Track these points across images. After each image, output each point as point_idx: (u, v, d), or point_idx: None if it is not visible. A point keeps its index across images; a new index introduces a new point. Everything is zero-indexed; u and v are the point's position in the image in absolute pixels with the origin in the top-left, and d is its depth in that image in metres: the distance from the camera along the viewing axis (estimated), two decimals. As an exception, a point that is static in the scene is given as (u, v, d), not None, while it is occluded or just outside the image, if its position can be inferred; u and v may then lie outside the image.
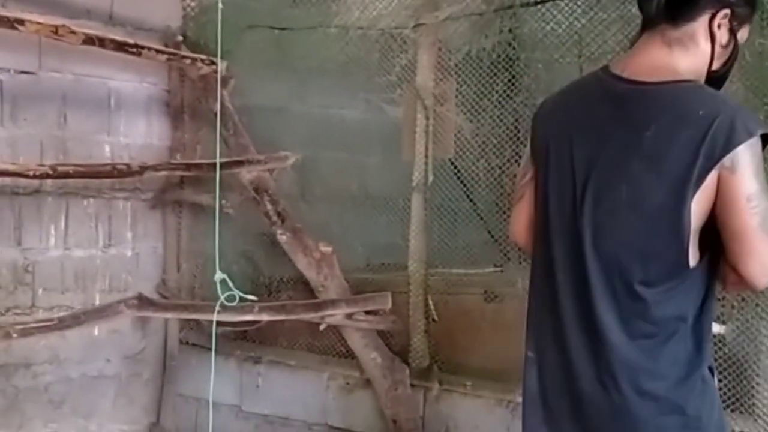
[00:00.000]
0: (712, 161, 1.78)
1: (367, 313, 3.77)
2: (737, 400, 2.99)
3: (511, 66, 4.64)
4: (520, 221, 2.15)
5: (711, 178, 1.79)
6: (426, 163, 3.94)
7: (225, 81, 4.07)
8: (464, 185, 4.44)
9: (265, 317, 3.73)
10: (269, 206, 3.89)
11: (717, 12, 1.94)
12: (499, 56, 4.52)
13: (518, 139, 4.67)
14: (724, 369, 2.96)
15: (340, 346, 3.95)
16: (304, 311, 3.74)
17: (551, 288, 2.00)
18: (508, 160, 4.61)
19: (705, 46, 1.94)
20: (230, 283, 3.46)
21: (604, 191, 1.90)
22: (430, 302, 3.82)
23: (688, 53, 1.93)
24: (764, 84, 3.53)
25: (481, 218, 4.55)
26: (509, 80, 4.62)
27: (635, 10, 4.31)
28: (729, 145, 1.77)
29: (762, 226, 1.79)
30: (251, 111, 4.32)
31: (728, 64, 2.00)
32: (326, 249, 3.84)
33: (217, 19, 3.80)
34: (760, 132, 1.80)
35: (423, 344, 3.76)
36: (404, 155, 4.04)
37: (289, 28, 4.24)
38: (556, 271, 1.99)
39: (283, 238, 3.87)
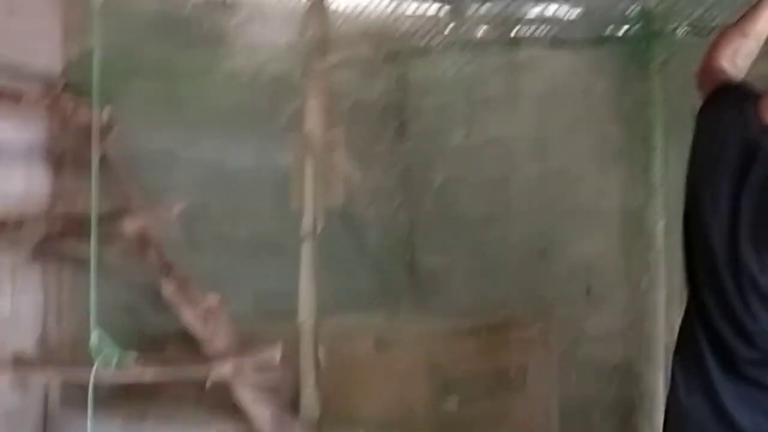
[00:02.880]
0: None
1: (257, 365, 3.69)
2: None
3: (400, 112, 4.70)
4: None
5: None
6: (315, 211, 3.92)
7: (109, 128, 3.97)
8: (355, 232, 4.45)
9: (148, 374, 3.62)
10: (154, 257, 3.79)
11: None
12: (388, 103, 4.57)
13: (408, 185, 4.73)
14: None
15: (229, 400, 3.85)
16: (190, 366, 3.65)
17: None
18: (399, 206, 4.66)
19: None
20: (108, 342, 3.35)
21: None
22: (321, 352, 3.78)
23: None
24: (645, 130, 3.65)
25: (373, 265, 4.56)
26: (398, 126, 4.68)
27: (521, 56, 4.43)
28: None
29: None
30: (138, 158, 4.23)
31: None
32: (213, 300, 3.75)
33: (101, 65, 3.72)
34: None
35: (313, 396, 3.72)
36: (293, 203, 4.01)
37: (176, 74, 4.19)
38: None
39: (168, 289, 3.77)
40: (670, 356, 3.49)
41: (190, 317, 3.80)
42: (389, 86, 4.53)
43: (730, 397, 1.79)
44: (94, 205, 3.49)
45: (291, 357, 3.76)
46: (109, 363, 3.39)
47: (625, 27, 3.80)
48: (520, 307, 4.85)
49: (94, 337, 3.34)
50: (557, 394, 4.62)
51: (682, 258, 1.93)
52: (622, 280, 4.37)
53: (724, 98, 1.91)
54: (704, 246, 1.85)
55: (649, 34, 3.63)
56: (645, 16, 3.65)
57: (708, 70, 2.05)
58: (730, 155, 1.81)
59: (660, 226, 3.64)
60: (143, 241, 3.85)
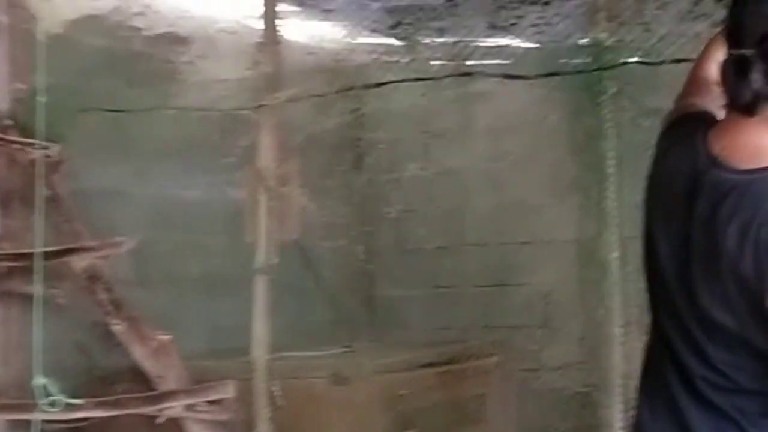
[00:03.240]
0: None
1: (209, 402, 3.63)
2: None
3: (354, 146, 4.70)
4: None
5: None
6: (269, 245, 3.89)
7: (57, 165, 3.91)
8: (310, 266, 4.42)
9: (99, 413, 3.55)
10: (103, 295, 3.73)
11: None
12: (342, 136, 4.57)
13: (363, 217, 4.72)
14: None
15: (182, 439, 3.79)
16: (142, 405, 3.58)
17: None
18: (355, 239, 4.64)
19: None
20: (53, 388, 3.27)
21: None
22: (275, 389, 3.74)
23: None
24: (598, 161, 3.67)
25: (329, 299, 4.53)
26: (353, 160, 4.67)
27: (474, 88, 4.46)
28: None
29: None
30: (88, 195, 4.17)
31: None
32: (164, 338, 3.70)
33: (48, 102, 3.68)
34: None
35: (268, 433, 3.67)
36: (247, 237, 3.98)
37: (126, 110, 4.15)
38: None
39: (118, 328, 3.71)
40: (627, 385, 3.51)
41: (140, 354, 3.74)
42: (344, 120, 4.53)
43: (695, 421, 1.75)
44: (37, 244, 3.44)
45: (245, 393, 3.71)
46: (55, 408, 3.32)
47: (577, 59, 3.84)
48: (478, 338, 4.85)
49: (38, 383, 3.27)
50: (516, 425, 4.61)
51: (644, 281, 1.93)
52: (579, 310, 4.39)
53: (680, 127, 1.89)
54: (659, 274, 1.84)
55: (600, 66, 3.66)
56: (596, 48, 3.68)
57: (694, 78, 2.02)
58: (679, 186, 1.78)
59: (614, 256, 3.65)
60: (93, 279, 3.79)
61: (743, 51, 1.69)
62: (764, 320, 1.62)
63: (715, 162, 1.73)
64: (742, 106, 1.69)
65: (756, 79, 1.66)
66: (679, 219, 1.77)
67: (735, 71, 1.70)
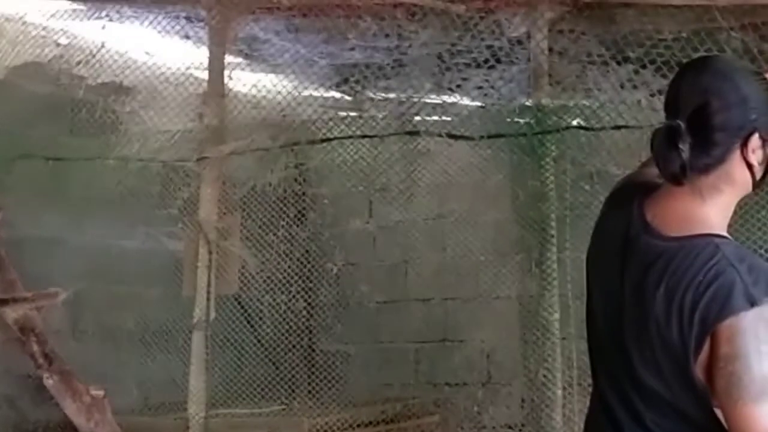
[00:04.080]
0: (706, 328, 1.63)
1: (142, 460, 3.55)
2: None
3: (297, 201, 4.68)
4: None
5: (706, 349, 1.64)
6: (208, 299, 3.84)
7: (-8, 213, 3.83)
8: (249, 321, 4.37)
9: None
10: (36, 347, 3.62)
11: (747, 139, 1.73)
12: (285, 191, 4.55)
13: (305, 272, 4.68)
14: None
15: (113, 498, 3.68)
16: (71, 462, 3.48)
17: None
18: (295, 295, 4.60)
19: (742, 175, 1.76)
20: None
21: None
22: (211, 446, 3.67)
23: (723, 194, 1.77)
24: (540, 222, 3.69)
25: (268, 355, 4.47)
26: (296, 215, 4.65)
27: (419, 146, 4.49)
28: (723, 312, 1.61)
29: (726, 391, 1.61)
30: (23, 243, 4.08)
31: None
32: (97, 393, 3.60)
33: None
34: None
35: (202, 492, 3.59)
36: (185, 291, 3.92)
37: (66, 159, 4.09)
38: None
39: (50, 381, 3.60)
40: (567, 447, 3.51)
41: (73, 409, 3.63)
42: (288, 174, 4.52)
43: None
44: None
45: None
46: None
47: (520, 121, 3.88)
48: (419, 396, 4.82)
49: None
50: (455, 486, 4.58)
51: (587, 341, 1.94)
52: (520, 370, 4.38)
53: (623, 192, 1.93)
54: (597, 334, 1.88)
55: (543, 129, 3.70)
56: (539, 111, 3.73)
57: None
58: (614, 249, 1.83)
59: (555, 317, 3.66)
60: (25, 330, 3.69)
61: (675, 121, 1.74)
62: (690, 386, 1.65)
63: (646, 228, 1.78)
64: (671, 175, 1.75)
65: (684, 149, 1.71)
66: (613, 281, 1.80)
67: (665, 140, 1.74)
